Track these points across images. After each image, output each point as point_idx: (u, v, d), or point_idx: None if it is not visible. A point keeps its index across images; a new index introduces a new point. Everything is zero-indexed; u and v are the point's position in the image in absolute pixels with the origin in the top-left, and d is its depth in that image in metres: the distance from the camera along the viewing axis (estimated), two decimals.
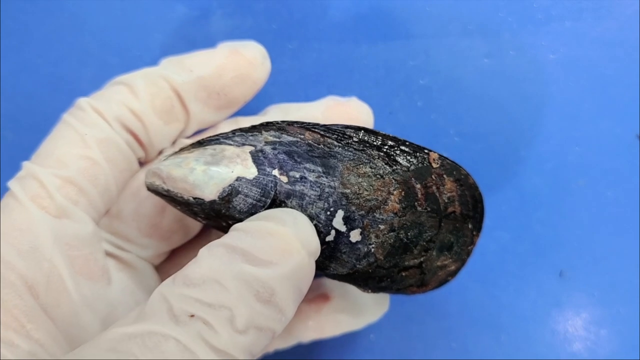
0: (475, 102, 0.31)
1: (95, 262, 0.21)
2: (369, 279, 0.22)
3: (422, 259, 0.22)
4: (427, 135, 0.32)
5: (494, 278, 0.31)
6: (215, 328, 0.17)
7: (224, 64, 0.23)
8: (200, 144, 0.21)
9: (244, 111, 0.26)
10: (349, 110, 0.26)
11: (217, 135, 0.21)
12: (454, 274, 0.23)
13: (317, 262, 0.21)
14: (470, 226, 0.23)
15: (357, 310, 0.27)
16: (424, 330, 0.31)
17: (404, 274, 0.22)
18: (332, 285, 0.27)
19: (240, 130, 0.22)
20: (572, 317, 0.31)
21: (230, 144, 0.21)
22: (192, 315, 0.17)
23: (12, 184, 0.21)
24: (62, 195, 0.20)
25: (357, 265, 0.22)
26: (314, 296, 0.27)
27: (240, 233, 0.18)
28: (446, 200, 0.22)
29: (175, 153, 0.21)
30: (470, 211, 0.23)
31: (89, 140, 0.21)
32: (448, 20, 0.32)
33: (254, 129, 0.21)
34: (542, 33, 0.31)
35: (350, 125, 0.21)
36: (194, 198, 0.20)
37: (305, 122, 0.21)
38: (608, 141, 0.31)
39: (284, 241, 0.18)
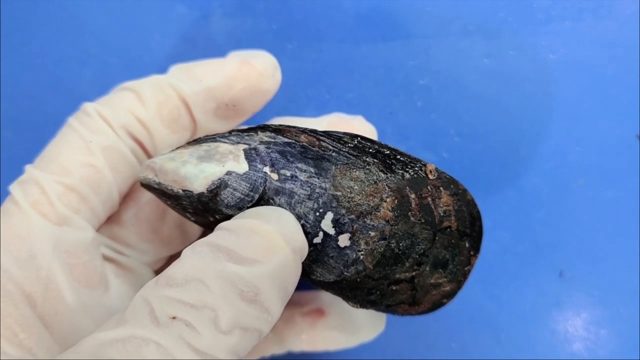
0: (475, 102, 0.31)
1: (94, 269, 0.21)
2: (357, 290, 0.22)
3: (414, 273, 0.22)
4: (427, 135, 0.32)
5: (494, 278, 0.31)
6: (198, 329, 0.16)
7: (234, 74, 0.23)
8: (197, 141, 0.21)
9: (248, 120, 0.26)
10: (352, 128, 0.25)
11: (214, 134, 0.22)
12: (449, 296, 0.23)
13: (303, 265, 0.20)
14: (467, 245, 0.22)
15: (352, 328, 0.26)
16: (423, 330, 0.31)
17: (394, 287, 0.22)
18: (329, 300, 0.27)
19: (237, 130, 0.22)
20: (572, 317, 0.31)
21: (225, 142, 0.21)
22: (174, 317, 0.16)
23: (13, 188, 0.20)
24: (63, 203, 0.20)
25: (345, 273, 0.21)
26: (310, 310, 0.27)
27: (224, 232, 0.18)
28: (442, 214, 0.21)
29: (173, 150, 0.21)
30: (467, 228, 0.22)
31: (94, 147, 0.21)
32: (448, 20, 0.32)
33: (250, 130, 0.21)
34: (542, 33, 0.31)
35: (348, 133, 0.21)
36: (184, 190, 0.20)
37: (302, 127, 0.21)
38: (608, 141, 0.31)
39: (268, 239, 0.18)
